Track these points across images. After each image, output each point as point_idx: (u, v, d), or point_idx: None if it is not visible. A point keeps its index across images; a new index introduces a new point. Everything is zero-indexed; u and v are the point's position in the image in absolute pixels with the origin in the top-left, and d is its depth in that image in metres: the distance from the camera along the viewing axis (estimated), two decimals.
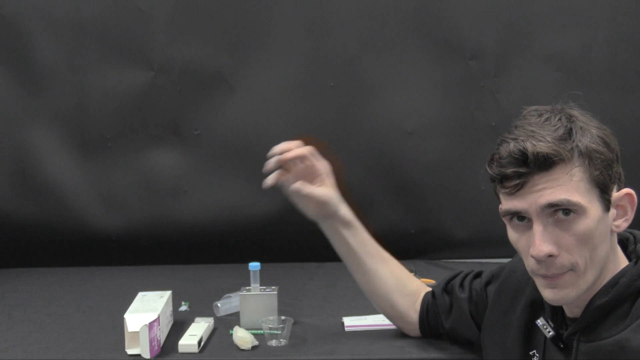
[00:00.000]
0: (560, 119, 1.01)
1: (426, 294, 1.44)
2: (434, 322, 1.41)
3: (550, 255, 0.98)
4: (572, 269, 0.99)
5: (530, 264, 1.03)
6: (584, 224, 0.98)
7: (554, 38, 2.28)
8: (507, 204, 1.03)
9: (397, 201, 2.32)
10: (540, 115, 1.02)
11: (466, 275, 1.38)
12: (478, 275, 1.36)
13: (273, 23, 2.28)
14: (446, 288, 1.39)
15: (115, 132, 2.29)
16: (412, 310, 1.43)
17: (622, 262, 1.05)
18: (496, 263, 1.36)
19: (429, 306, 1.41)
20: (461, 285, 1.37)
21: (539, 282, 1.04)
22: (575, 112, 1.03)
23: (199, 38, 2.27)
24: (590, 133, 1.00)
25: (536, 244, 0.98)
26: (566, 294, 1.00)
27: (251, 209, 2.26)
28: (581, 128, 1.00)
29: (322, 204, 1.38)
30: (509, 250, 1.36)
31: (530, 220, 1.00)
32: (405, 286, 1.43)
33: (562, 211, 0.98)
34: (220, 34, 2.27)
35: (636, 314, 0.97)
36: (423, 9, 2.28)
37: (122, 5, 2.25)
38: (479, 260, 2.18)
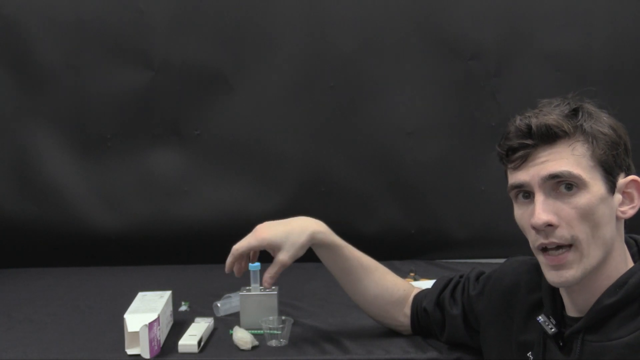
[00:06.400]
0: (569, 104, 1.04)
1: (415, 299, 1.44)
2: (426, 328, 1.43)
3: (550, 225, 0.99)
4: (573, 243, 0.99)
5: (532, 238, 1.03)
6: (585, 198, 0.99)
7: (553, 38, 2.28)
8: (512, 178, 1.05)
9: (397, 201, 2.32)
10: (550, 103, 1.05)
11: (456, 285, 1.38)
12: (468, 281, 1.36)
13: (273, 23, 2.28)
14: (438, 302, 1.39)
15: (115, 132, 2.29)
16: (401, 315, 1.44)
17: (630, 262, 1.05)
18: (496, 263, 1.36)
19: (421, 317, 1.42)
20: (452, 297, 1.37)
21: (543, 262, 1.03)
22: (588, 104, 1.05)
23: (199, 38, 2.27)
24: (598, 119, 1.03)
25: (536, 212, 1.00)
26: (571, 275, 1.00)
27: (251, 209, 2.26)
28: (589, 112, 1.03)
29: (298, 254, 1.39)
30: (509, 250, 1.37)
31: (534, 196, 1.02)
32: (391, 294, 1.44)
33: (565, 186, 0.99)
34: (220, 34, 2.27)
35: None
36: (423, 9, 2.28)
37: (122, 5, 2.25)
38: (479, 260, 2.17)
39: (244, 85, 2.29)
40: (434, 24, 2.29)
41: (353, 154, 2.31)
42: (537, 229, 1.00)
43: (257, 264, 1.53)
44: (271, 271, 1.38)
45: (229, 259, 1.39)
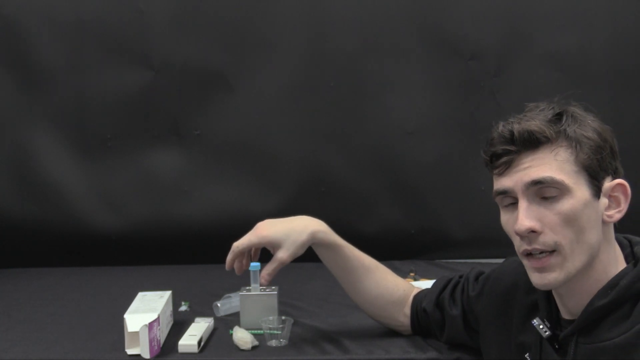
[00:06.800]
0: (553, 108, 1.03)
1: (415, 299, 1.44)
2: (426, 328, 1.43)
3: (534, 231, 0.99)
4: (556, 249, 0.99)
5: (517, 243, 1.04)
6: (569, 203, 0.98)
7: (554, 38, 2.28)
8: (497, 184, 1.05)
9: (397, 201, 2.32)
10: (537, 107, 1.05)
11: (456, 285, 1.38)
12: (468, 281, 1.36)
13: (273, 23, 2.28)
14: (438, 302, 1.39)
15: (115, 132, 2.30)
16: (401, 315, 1.45)
17: (622, 264, 1.05)
18: (496, 263, 1.36)
19: (421, 318, 1.42)
20: (452, 297, 1.37)
21: (527, 265, 1.04)
22: (574, 108, 1.04)
23: (199, 38, 2.27)
24: (583, 122, 1.02)
25: (519, 218, 1.00)
26: (554, 277, 1.00)
27: (251, 209, 2.26)
28: (573, 116, 1.02)
29: (298, 252, 1.39)
30: (508, 250, 1.36)
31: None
32: (391, 294, 1.44)
33: (548, 191, 0.99)
34: (220, 34, 2.27)
35: (638, 317, 0.96)
36: (423, 9, 2.28)
37: (122, 5, 2.25)
38: (479, 260, 2.18)
39: (244, 85, 2.29)
40: (434, 24, 2.29)
41: (353, 153, 2.31)
42: (520, 235, 1.00)
43: (257, 263, 1.53)
44: (269, 268, 1.38)
45: (229, 256, 1.39)
